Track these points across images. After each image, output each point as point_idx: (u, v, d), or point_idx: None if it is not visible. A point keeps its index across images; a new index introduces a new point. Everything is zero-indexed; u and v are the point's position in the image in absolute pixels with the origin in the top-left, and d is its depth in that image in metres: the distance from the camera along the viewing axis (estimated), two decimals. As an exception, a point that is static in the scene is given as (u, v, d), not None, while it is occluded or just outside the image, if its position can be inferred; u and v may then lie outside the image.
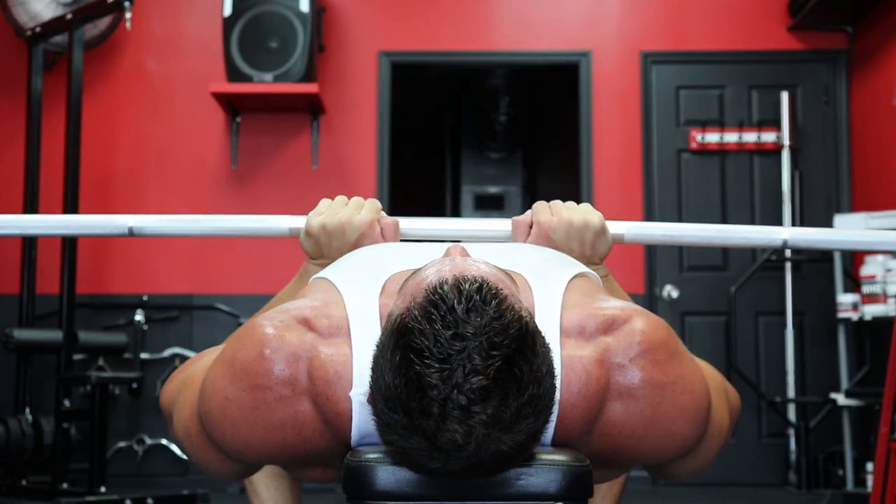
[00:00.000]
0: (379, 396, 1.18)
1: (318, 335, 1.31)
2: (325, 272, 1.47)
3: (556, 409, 1.27)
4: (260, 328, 1.31)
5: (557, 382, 1.24)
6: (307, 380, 1.29)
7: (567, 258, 1.53)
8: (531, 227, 1.62)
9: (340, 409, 1.29)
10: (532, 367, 1.16)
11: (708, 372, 1.45)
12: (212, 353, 1.49)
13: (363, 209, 1.60)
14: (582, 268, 1.48)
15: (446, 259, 1.29)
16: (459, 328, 1.14)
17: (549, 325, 1.30)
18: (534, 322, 1.21)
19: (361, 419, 1.28)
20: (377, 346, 1.21)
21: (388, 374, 1.16)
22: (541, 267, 1.44)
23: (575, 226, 1.58)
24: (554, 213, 1.60)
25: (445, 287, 1.18)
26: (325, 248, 1.61)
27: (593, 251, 1.60)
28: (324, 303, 1.35)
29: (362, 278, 1.40)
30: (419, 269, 1.30)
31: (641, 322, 1.32)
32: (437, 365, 1.13)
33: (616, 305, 1.35)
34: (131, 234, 1.73)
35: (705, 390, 1.35)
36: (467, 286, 1.18)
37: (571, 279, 1.40)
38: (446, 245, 1.42)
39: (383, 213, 1.63)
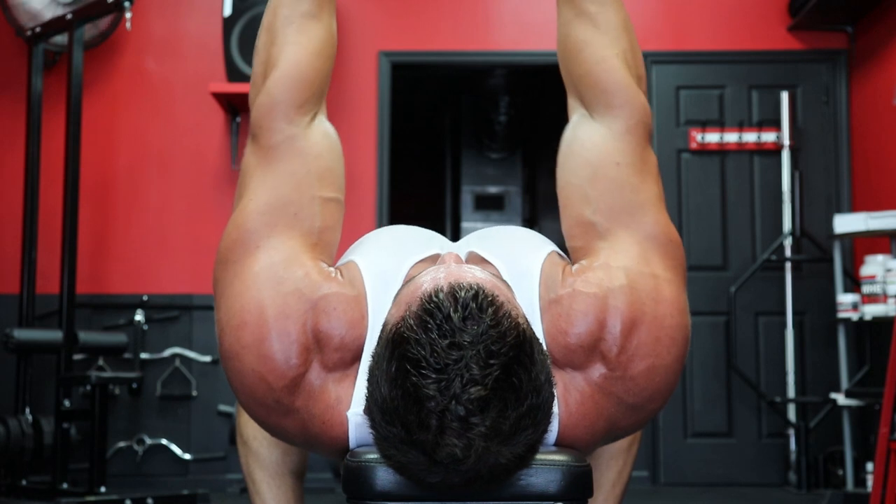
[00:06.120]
0: (376, 409, 1.16)
1: (329, 372, 1.30)
2: (357, 255, 1.42)
3: (556, 425, 1.28)
4: (294, 346, 1.29)
5: (555, 403, 1.24)
6: (306, 402, 1.30)
7: (534, 238, 1.49)
8: None
9: (335, 434, 1.30)
10: (531, 376, 1.14)
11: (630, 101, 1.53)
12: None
13: None
14: (545, 249, 1.44)
15: (441, 266, 1.27)
16: (456, 337, 1.12)
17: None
18: (531, 329, 1.19)
19: (358, 436, 1.29)
20: (373, 357, 1.19)
21: (385, 385, 1.14)
22: (511, 254, 1.41)
23: None
24: None
25: (441, 295, 1.16)
26: None
27: None
28: (349, 321, 1.32)
29: (388, 269, 1.37)
30: (413, 278, 1.28)
31: (615, 324, 1.31)
32: (434, 375, 1.11)
33: (587, 309, 1.32)
34: None
35: (678, 320, 1.36)
36: (463, 293, 1.16)
37: (541, 268, 1.38)
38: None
39: None
